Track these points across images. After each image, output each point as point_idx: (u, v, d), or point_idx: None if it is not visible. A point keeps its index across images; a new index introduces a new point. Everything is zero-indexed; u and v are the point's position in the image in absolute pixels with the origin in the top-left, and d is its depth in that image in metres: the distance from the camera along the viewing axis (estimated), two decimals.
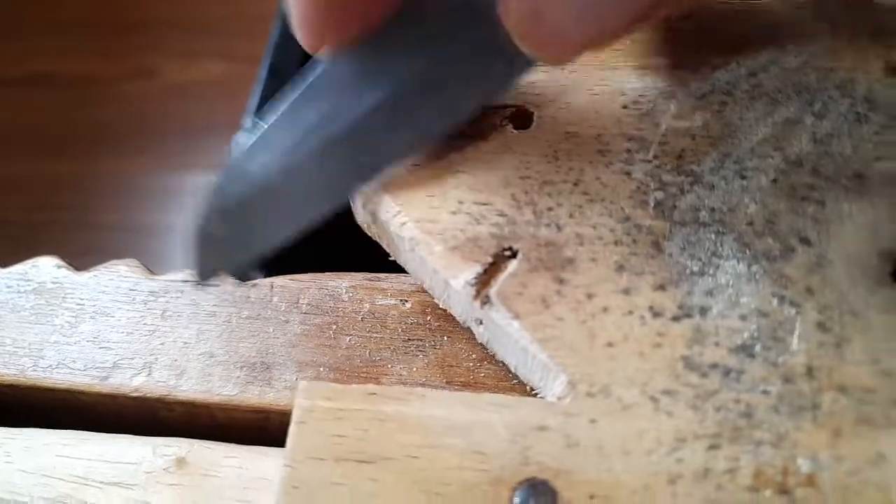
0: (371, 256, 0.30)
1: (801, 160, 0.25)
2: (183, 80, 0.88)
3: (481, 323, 0.25)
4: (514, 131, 0.26)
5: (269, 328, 0.29)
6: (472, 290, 0.25)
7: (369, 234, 0.28)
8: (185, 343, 0.29)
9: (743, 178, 0.25)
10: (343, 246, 0.34)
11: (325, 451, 0.23)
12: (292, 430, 0.24)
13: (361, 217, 0.28)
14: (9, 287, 0.32)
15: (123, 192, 0.82)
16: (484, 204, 0.25)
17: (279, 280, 0.30)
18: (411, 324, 0.29)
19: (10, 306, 0.31)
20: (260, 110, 0.45)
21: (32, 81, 0.88)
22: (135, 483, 0.27)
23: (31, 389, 0.30)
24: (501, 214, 0.25)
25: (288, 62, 0.44)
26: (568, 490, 0.22)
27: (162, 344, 0.30)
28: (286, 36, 0.47)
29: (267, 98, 0.43)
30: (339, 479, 0.23)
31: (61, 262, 0.32)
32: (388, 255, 0.28)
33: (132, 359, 0.29)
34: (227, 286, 0.30)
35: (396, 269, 0.29)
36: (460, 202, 0.26)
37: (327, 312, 0.29)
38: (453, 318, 0.28)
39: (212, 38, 0.89)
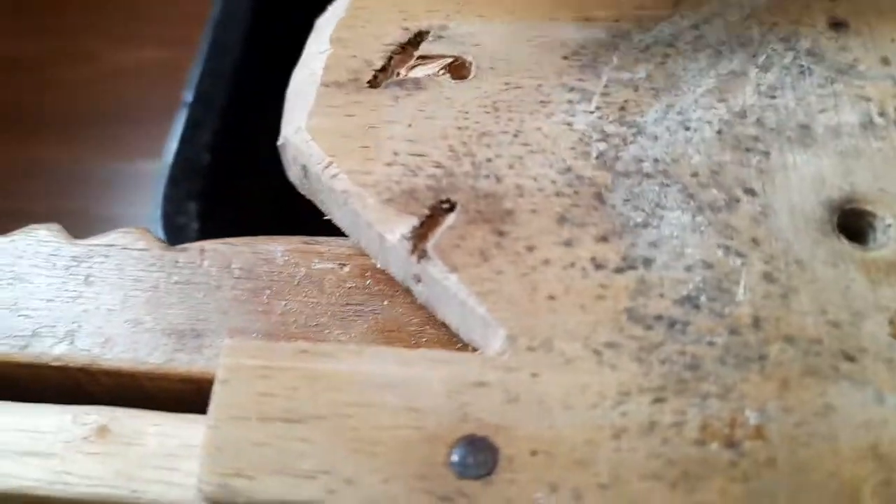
0: (308, 221, 0.29)
1: (746, 112, 0.24)
2: (122, 64, 0.85)
3: (419, 280, 0.24)
4: (452, 81, 0.25)
5: (199, 293, 0.28)
6: (409, 245, 0.23)
7: (301, 191, 0.27)
8: (110, 310, 0.28)
9: (687, 129, 0.24)
10: (279, 210, 0.33)
11: (250, 410, 0.22)
12: (215, 389, 0.22)
13: (292, 172, 0.26)
14: None
15: (57, 179, 0.79)
16: (420, 155, 0.24)
17: (209, 244, 0.29)
18: (349, 288, 0.27)
19: None
20: (200, 86, 0.43)
21: None
22: (53, 452, 0.25)
23: None
24: (438, 166, 0.24)
25: (229, 39, 0.42)
26: (508, 446, 0.21)
27: (85, 311, 0.28)
28: (228, 13, 0.46)
29: (207, 75, 0.42)
30: (266, 438, 0.22)
31: None
32: (322, 215, 0.27)
33: (53, 326, 0.27)
34: (154, 250, 0.29)
35: (335, 233, 0.28)
36: (395, 153, 0.24)
37: (261, 277, 0.28)
38: (394, 282, 0.26)
39: (148, 22, 0.86)
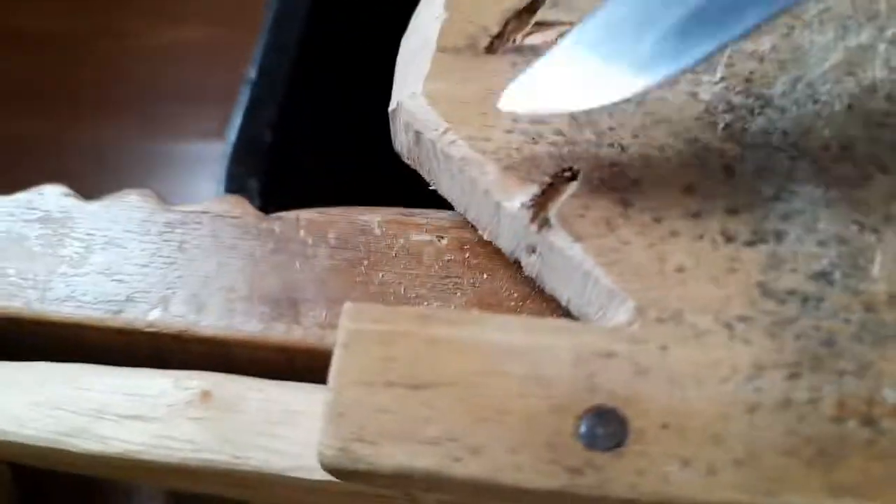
0: (371, 199, 0.29)
1: (876, 86, 0.23)
2: (162, 43, 0.84)
3: (534, 251, 0.24)
4: None
5: (295, 263, 0.27)
6: (529, 213, 0.23)
7: (407, 160, 0.26)
8: (205, 277, 0.27)
9: (815, 102, 0.23)
10: (341, 188, 0.32)
11: (373, 374, 0.21)
12: (337, 353, 0.22)
13: (401, 140, 0.26)
14: (11, 215, 0.29)
15: (99, 157, 0.78)
16: (540, 123, 0.24)
17: (305, 213, 0.28)
18: (448, 260, 0.26)
19: (14, 235, 0.28)
20: (263, 62, 0.43)
21: (3, 38, 0.84)
22: (156, 416, 0.25)
23: (36, 324, 0.27)
24: (560, 134, 0.23)
25: (294, 9, 0.42)
26: (638, 419, 0.20)
27: (179, 277, 0.27)
28: None
29: (271, 50, 0.41)
30: (389, 404, 0.21)
31: (68, 191, 0.29)
32: (424, 187, 0.26)
33: (147, 292, 0.27)
34: (249, 218, 0.28)
35: (429, 205, 0.27)
36: (515, 120, 0.24)
37: (358, 248, 0.27)
38: (493, 256, 0.26)
39: (189, 1, 0.85)
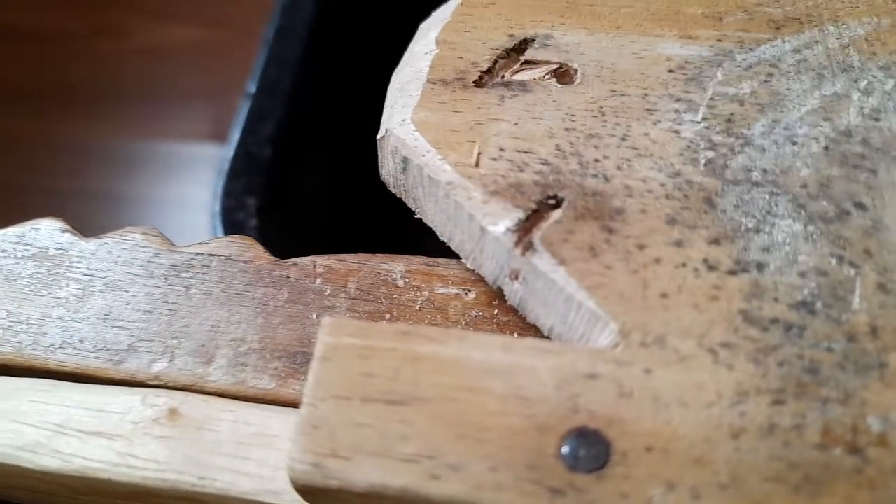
0: (370, 221, 0.27)
1: (851, 131, 0.23)
2: (155, 42, 0.81)
3: (517, 277, 0.23)
4: (558, 85, 0.24)
5: (311, 314, 0.25)
6: (514, 237, 0.22)
7: (392, 188, 0.25)
8: (213, 326, 0.25)
9: (794, 143, 0.23)
10: (338, 209, 0.31)
11: (351, 389, 0.20)
12: (314, 366, 0.20)
13: (388, 168, 0.25)
14: (3, 251, 0.26)
15: (87, 156, 0.74)
16: (526, 152, 0.23)
17: (323, 260, 0.26)
18: (476, 317, 0.24)
19: (5, 273, 0.26)
20: (265, 73, 0.41)
21: None
22: (119, 433, 0.23)
23: (28, 371, 0.25)
24: (545, 163, 0.23)
25: (296, 25, 0.40)
26: (622, 440, 0.19)
27: (186, 326, 0.25)
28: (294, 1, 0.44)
29: (272, 61, 0.39)
30: (366, 419, 0.20)
31: (66, 226, 0.27)
32: (412, 214, 0.25)
33: (151, 341, 0.24)
34: (261, 262, 0.26)
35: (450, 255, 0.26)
36: (501, 149, 0.23)
37: (380, 299, 0.25)
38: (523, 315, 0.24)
39: (184, 1, 0.83)
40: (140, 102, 0.78)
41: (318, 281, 0.25)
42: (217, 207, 0.36)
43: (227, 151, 0.37)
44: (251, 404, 0.23)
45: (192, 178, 0.71)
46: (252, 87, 0.39)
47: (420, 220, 0.25)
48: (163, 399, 0.23)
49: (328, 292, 0.25)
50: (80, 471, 0.22)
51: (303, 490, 0.20)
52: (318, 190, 0.40)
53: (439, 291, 0.25)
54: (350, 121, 0.39)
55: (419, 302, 0.25)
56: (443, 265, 0.25)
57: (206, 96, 0.72)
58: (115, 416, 0.23)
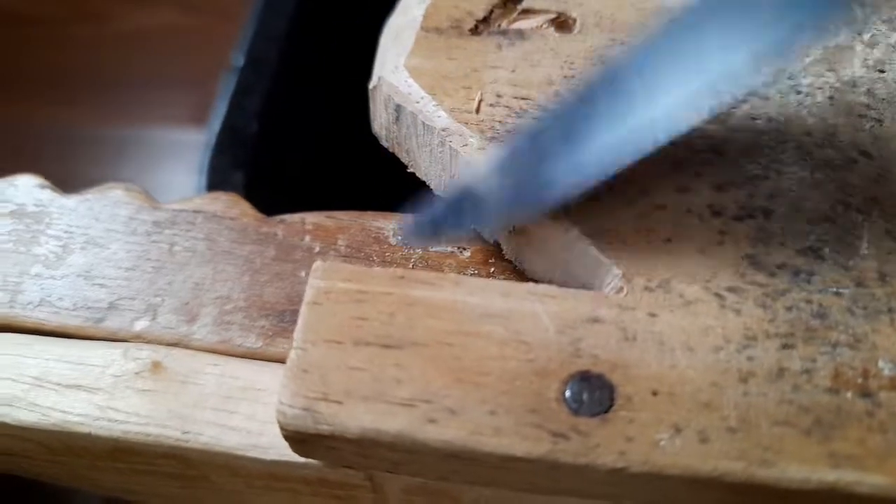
0: (358, 195, 0.26)
1: (855, 82, 0.22)
2: (135, 27, 0.80)
3: (514, 228, 0.22)
4: (556, 34, 0.23)
5: (300, 272, 0.23)
6: None
7: (384, 142, 0.24)
8: (198, 284, 0.23)
9: (798, 93, 0.22)
10: (327, 184, 0.30)
11: (343, 333, 0.19)
12: (304, 310, 0.19)
13: (381, 119, 0.24)
14: None
15: (71, 141, 0.72)
16: (525, 98, 0.22)
17: (312, 217, 0.24)
18: (471, 275, 0.23)
19: None
20: (252, 47, 0.39)
21: None
22: (100, 387, 0.21)
23: (5, 329, 0.23)
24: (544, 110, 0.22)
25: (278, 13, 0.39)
26: (626, 384, 0.18)
27: (169, 284, 0.23)
28: None
29: (259, 35, 0.38)
30: (359, 363, 0.18)
31: (45, 182, 0.26)
32: (413, 182, 0.24)
33: (133, 299, 0.23)
34: (248, 219, 0.24)
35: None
36: (499, 95, 0.22)
37: (371, 257, 0.24)
38: (519, 272, 0.23)
39: None
40: (121, 87, 0.76)
41: (307, 238, 0.24)
42: (203, 182, 0.34)
43: (213, 125, 0.36)
44: (238, 359, 0.22)
45: (177, 162, 0.70)
46: (239, 61, 0.37)
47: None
48: (145, 352, 0.22)
49: (317, 250, 0.24)
50: (58, 425, 0.21)
51: (293, 437, 0.19)
52: (306, 165, 0.39)
53: (433, 249, 0.24)
54: (338, 95, 0.38)
55: (412, 260, 0.24)
56: None
57: (187, 81, 0.71)
58: (96, 370, 0.22)
